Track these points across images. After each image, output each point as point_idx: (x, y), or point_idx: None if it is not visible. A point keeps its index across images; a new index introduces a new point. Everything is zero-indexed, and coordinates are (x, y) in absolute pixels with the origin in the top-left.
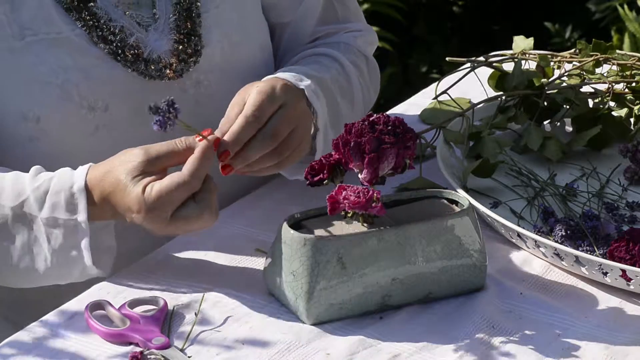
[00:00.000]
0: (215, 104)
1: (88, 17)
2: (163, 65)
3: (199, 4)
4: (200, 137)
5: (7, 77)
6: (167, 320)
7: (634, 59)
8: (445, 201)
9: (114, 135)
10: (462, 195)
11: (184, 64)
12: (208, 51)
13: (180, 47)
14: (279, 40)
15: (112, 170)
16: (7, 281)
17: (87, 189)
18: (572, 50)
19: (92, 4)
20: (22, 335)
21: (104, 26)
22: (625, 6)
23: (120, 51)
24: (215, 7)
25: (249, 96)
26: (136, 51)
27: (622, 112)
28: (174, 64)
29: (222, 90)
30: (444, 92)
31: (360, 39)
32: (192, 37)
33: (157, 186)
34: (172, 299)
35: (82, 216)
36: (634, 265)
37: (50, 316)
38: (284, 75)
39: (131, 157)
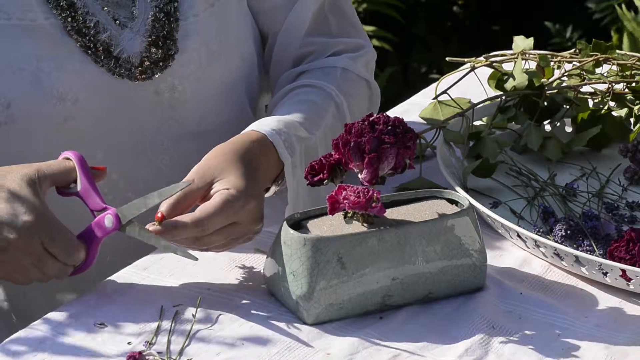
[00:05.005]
0: (190, 110)
1: (65, 7)
2: (132, 66)
3: (177, 11)
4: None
5: None
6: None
7: (634, 59)
8: (445, 201)
9: (82, 129)
10: (462, 195)
11: (153, 67)
12: (184, 57)
13: (153, 49)
14: (270, 49)
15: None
16: None
17: None
18: (572, 50)
19: None
20: (24, 334)
21: (80, 18)
22: (624, 6)
23: (91, 45)
24: (194, 16)
25: (211, 203)
26: (107, 48)
27: (622, 112)
28: (143, 66)
29: (197, 97)
30: (444, 92)
31: (360, 61)
32: (167, 41)
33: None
34: (172, 299)
35: None
36: (634, 265)
37: (51, 315)
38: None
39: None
